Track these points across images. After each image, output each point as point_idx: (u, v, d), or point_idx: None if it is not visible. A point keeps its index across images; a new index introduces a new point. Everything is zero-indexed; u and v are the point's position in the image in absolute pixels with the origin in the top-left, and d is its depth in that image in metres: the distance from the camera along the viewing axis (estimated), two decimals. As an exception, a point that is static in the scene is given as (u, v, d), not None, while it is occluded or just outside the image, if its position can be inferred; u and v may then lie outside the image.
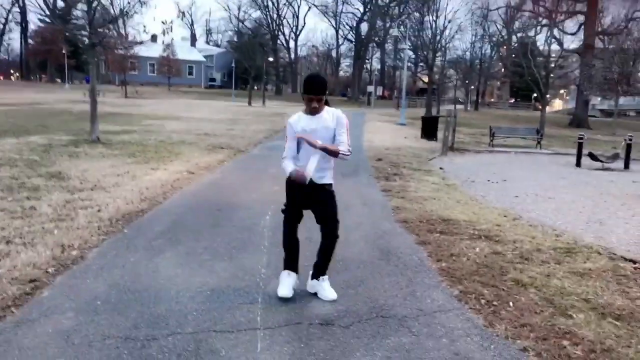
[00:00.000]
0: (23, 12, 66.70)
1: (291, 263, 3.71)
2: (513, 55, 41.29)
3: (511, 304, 3.63)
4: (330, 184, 3.62)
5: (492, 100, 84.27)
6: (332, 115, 3.51)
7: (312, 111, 3.48)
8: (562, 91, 78.68)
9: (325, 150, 3.39)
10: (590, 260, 4.73)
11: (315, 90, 3.42)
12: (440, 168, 11.29)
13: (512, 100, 77.72)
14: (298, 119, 3.56)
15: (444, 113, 22.19)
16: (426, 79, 47.46)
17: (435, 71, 49.28)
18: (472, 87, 65.50)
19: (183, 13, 73.69)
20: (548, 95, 59.99)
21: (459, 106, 61.17)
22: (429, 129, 19.62)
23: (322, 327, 3.22)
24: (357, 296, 3.71)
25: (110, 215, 5.63)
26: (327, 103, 3.56)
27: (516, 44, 44.06)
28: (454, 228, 5.67)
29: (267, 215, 5.95)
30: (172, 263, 4.27)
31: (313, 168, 3.39)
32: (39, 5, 52.12)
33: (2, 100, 28.64)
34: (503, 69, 60.96)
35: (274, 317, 3.33)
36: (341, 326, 3.23)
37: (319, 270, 3.69)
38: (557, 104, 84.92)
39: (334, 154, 3.43)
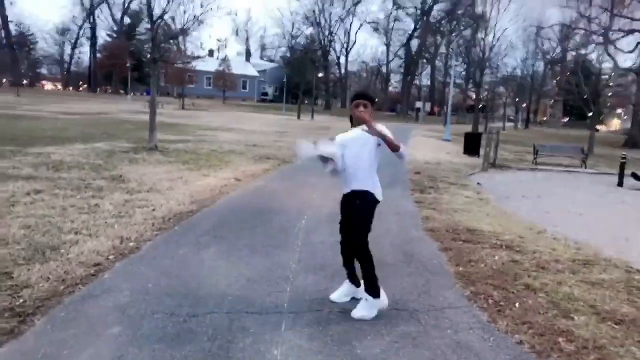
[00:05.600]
0: (93, 28, 71.00)
1: (349, 275, 3.81)
2: (569, 73, 40.33)
3: (517, 304, 3.90)
4: (366, 193, 3.55)
5: (545, 118, 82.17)
6: (377, 127, 3.34)
7: (358, 117, 3.47)
8: (619, 110, 75.80)
9: (388, 141, 3.31)
10: (606, 272, 4.89)
11: (361, 95, 3.55)
12: (478, 183, 11.42)
13: (566, 119, 75.49)
14: (342, 135, 3.66)
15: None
16: (475, 96, 47.00)
17: (485, 88, 48.76)
18: (524, 104, 64.25)
19: (237, 31, 75.97)
20: (603, 115, 58.07)
21: (509, 124, 60.14)
22: (471, 145, 19.63)
23: (340, 314, 3.60)
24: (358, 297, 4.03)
25: (164, 214, 6.22)
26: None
27: (570, 62, 43.10)
28: (477, 237, 5.92)
29: (303, 219, 6.39)
30: (215, 256, 4.76)
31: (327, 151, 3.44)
32: (108, 22, 55.14)
33: (72, 109, 30.67)
34: (556, 87, 59.56)
35: (299, 304, 3.74)
36: (357, 315, 3.60)
37: (364, 287, 3.65)
38: (615, 124, 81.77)
39: (393, 146, 3.32)
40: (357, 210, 3.56)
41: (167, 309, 3.54)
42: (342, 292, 3.88)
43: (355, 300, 3.77)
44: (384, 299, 3.66)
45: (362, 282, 3.70)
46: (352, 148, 3.55)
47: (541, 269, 4.84)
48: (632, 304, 4.07)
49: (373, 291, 3.58)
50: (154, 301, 3.65)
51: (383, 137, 3.31)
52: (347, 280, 3.87)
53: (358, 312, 3.58)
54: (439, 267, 4.82)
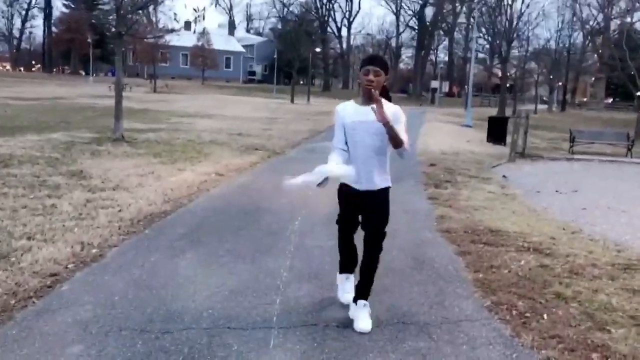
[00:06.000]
0: (47, -2, 70.87)
1: (349, 266, 4.02)
2: (613, 46, 40.39)
3: (545, 316, 3.97)
4: (387, 189, 3.74)
5: (585, 99, 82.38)
6: (389, 111, 3.38)
7: (366, 86, 3.46)
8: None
9: (393, 134, 3.38)
10: (650, 277, 4.96)
11: (371, 60, 3.51)
12: (504, 176, 11.51)
13: (610, 100, 75.64)
14: (344, 107, 3.68)
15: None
16: (501, 74, 47.07)
17: (513, 64, 48.86)
18: (559, 83, 64.37)
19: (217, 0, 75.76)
20: (652, 94, 58.08)
21: (541, 106, 60.28)
22: (496, 131, 19.72)
23: (338, 329, 3.67)
24: (379, 303, 4.10)
25: (132, 216, 6.28)
26: (388, 97, 3.58)
27: (615, 32, 43.09)
28: (501, 239, 6.00)
29: (297, 220, 6.44)
30: (192, 264, 4.83)
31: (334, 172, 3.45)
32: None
33: (24, 94, 30.70)
34: (598, 63, 59.64)
35: (290, 317, 3.80)
36: (358, 330, 3.67)
37: (360, 292, 3.78)
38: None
39: (397, 142, 3.41)
40: (383, 205, 3.74)
41: (137, 324, 3.60)
42: (351, 289, 3.98)
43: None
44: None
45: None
46: (366, 138, 3.57)
47: (574, 275, 4.91)
48: (679, 315, 4.14)
49: (369, 290, 3.80)
50: (120, 316, 3.71)
51: (389, 128, 3.35)
52: (344, 275, 4.07)
53: (367, 324, 3.63)
54: (454, 274, 4.89)
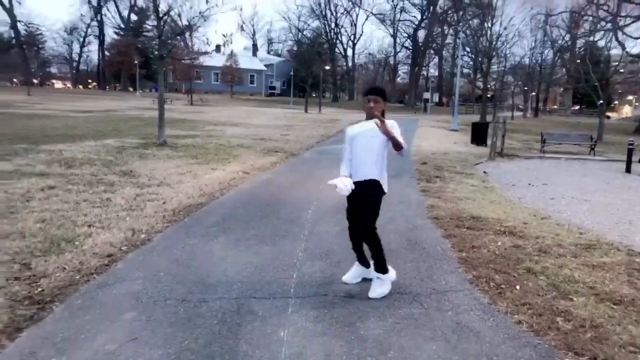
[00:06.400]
0: (100, 27, 71.51)
1: (359, 258, 4.06)
2: (578, 61, 39.95)
3: (518, 287, 4.00)
4: (375, 182, 3.75)
5: (554, 107, 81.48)
6: (388, 124, 3.62)
7: (367, 111, 3.76)
8: (631, 97, 74.91)
9: (394, 140, 3.57)
10: (607, 255, 4.97)
11: (370, 91, 3.80)
12: (484, 172, 11.48)
13: (576, 108, 74.79)
14: (352, 127, 3.89)
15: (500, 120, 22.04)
16: (482, 86, 46.70)
17: (493, 78, 48.42)
18: (533, 93, 63.70)
19: (242, 27, 75.79)
20: (613, 102, 57.39)
21: (517, 113, 59.74)
22: (479, 134, 19.61)
23: (345, 298, 3.73)
24: (369, 277, 4.16)
25: (174, 207, 6.37)
26: (384, 116, 3.72)
27: (580, 49, 42.62)
28: (481, 224, 6.02)
29: (310, 210, 6.52)
30: (224, 246, 4.91)
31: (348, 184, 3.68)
32: (115, 19, 55.35)
33: (82, 107, 30.98)
34: (566, 76, 58.92)
35: (305, 289, 3.87)
36: (361, 299, 3.73)
37: (375, 267, 3.86)
38: (626, 111, 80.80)
39: (398, 145, 3.59)
40: (366, 198, 3.75)
41: (179, 295, 3.69)
42: (353, 273, 4.08)
43: (365, 282, 3.95)
44: (392, 273, 3.93)
45: (371, 262, 3.90)
46: (362, 139, 3.76)
47: (543, 254, 4.93)
48: (631, 286, 4.16)
49: (382, 269, 3.82)
50: (165, 288, 3.80)
51: (391, 137, 3.57)
52: (357, 263, 4.08)
53: (374, 292, 3.78)
54: (442, 253, 4.92)
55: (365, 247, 3.93)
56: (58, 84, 78.61)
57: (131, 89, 64.74)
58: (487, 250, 4.96)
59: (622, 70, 38.15)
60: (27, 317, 3.25)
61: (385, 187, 3.80)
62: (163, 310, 3.44)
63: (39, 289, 3.66)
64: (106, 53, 69.77)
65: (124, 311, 3.40)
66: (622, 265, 4.67)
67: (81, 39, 74.82)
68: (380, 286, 3.82)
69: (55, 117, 22.61)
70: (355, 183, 3.75)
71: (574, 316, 3.47)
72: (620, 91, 50.87)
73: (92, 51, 76.72)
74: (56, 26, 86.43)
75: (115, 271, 4.15)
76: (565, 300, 3.76)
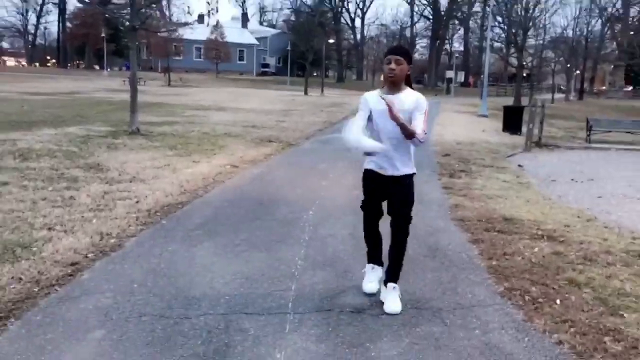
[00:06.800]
0: (62, -7, 71.35)
1: (374, 256, 4.14)
2: (632, 33, 39.84)
3: (558, 301, 4.02)
4: (412, 175, 3.88)
5: (603, 87, 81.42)
6: (411, 98, 3.63)
7: (388, 74, 3.62)
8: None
9: (402, 127, 3.49)
10: (665, 264, 4.98)
11: (394, 50, 3.68)
12: (519, 165, 11.50)
13: (629, 88, 74.67)
14: (371, 94, 3.81)
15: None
16: (517, 63, 46.67)
17: (530, 53, 48.38)
18: (577, 72, 63.69)
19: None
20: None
21: (559, 95, 59.71)
22: (512, 121, 19.62)
23: (352, 314, 3.75)
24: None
25: (149, 207, 6.41)
26: (410, 84, 3.76)
27: (634, 19, 42.51)
28: (514, 227, 6.04)
29: (311, 210, 6.55)
30: (209, 253, 4.94)
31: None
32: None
33: (40, 89, 31.07)
34: (617, 50, 58.84)
35: (306, 303, 3.89)
36: (371, 315, 3.75)
37: (389, 275, 3.92)
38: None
39: (409, 134, 3.52)
40: (407, 190, 3.89)
41: (156, 310, 3.71)
42: (374, 276, 4.13)
43: (375, 295, 4.02)
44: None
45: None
46: (386, 124, 3.64)
47: (588, 262, 4.95)
48: (693, 300, 4.17)
49: (398, 275, 3.92)
50: (140, 302, 3.83)
51: (400, 125, 3.49)
52: (372, 264, 4.15)
53: (395, 305, 3.79)
54: (468, 261, 4.95)
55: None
56: (10, 62, 78.74)
57: (97, 67, 64.88)
58: (521, 258, 4.98)
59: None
60: (-23, 336, 3.28)
61: (414, 168, 3.93)
62: (137, 328, 3.46)
63: (-9, 303, 3.69)
64: (68, 25, 69.78)
65: (92, 329, 3.42)
66: (683, 275, 4.68)
67: (38, 8, 74.89)
68: (398, 299, 3.84)
69: (8, 101, 22.70)
70: (385, 178, 3.84)
71: (625, 336, 3.49)
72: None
73: (51, 22, 77.05)
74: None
75: (80, 282, 4.17)
76: (615, 317, 3.77)
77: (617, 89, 71.88)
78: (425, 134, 3.64)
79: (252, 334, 3.43)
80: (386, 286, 3.91)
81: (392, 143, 3.72)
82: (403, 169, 3.83)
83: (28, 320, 3.51)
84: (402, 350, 3.29)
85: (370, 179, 3.94)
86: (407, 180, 3.86)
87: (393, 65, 3.58)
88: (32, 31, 77.29)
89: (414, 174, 3.92)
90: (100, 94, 29.89)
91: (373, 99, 3.76)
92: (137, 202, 6.60)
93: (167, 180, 7.95)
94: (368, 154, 3.75)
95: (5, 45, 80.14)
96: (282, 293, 4.06)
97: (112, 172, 8.42)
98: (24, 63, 77.59)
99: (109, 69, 57.82)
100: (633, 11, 46.52)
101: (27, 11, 75.42)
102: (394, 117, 3.45)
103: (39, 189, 6.96)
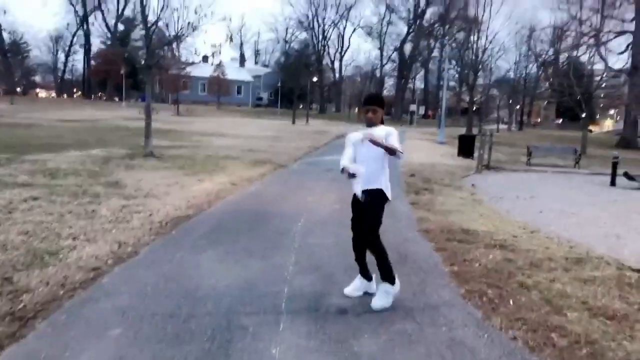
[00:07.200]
0: (87, 35, 70.67)
1: (361, 271, 4.04)
2: (561, 75, 40.62)
3: (511, 302, 3.96)
4: (379, 191, 3.77)
5: (539, 120, 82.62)
6: (384, 131, 3.72)
7: (367, 121, 3.84)
8: (612, 112, 76.23)
9: (386, 148, 3.53)
10: (598, 269, 4.96)
11: (367, 101, 3.90)
12: (472, 185, 11.50)
13: (559, 121, 75.91)
14: (354, 134, 3.95)
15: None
16: (468, 99, 47.24)
17: (479, 91, 49.03)
18: (517, 107, 64.56)
19: (231, 38, 75.68)
20: (595, 116, 58.36)
21: (502, 126, 60.44)
22: (465, 147, 19.74)
23: (337, 314, 3.66)
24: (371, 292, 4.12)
25: (161, 219, 6.26)
26: (382, 122, 3.86)
27: (563, 64, 43.36)
28: (472, 238, 5.99)
29: (300, 222, 6.45)
30: (213, 259, 4.81)
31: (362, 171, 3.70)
32: (101, 29, 55.05)
33: (67, 117, 30.65)
34: (549, 89, 59.85)
35: (297, 304, 3.79)
36: (354, 314, 3.66)
37: (380, 275, 3.86)
38: (608, 124, 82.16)
39: (392, 151, 3.55)
40: (371, 207, 3.78)
41: (166, 310, 3.58)
42: (355, 286, 4.05)
43: (363, 297, 3.93)
44: (397, 286, 3.88)
45: (373, 275, 3.97)
46: (365, 150, 3.75)
47: (535, 267, 4.91)
48: (623, 300, 4.14)
49: (390, 278, 3.82)
50: (153, 303, 3.70)
51: (383, 147, 3.51)
52: (359, 276, 4.05)
53: (377, 303, 3.76)
54: (433, 267, 4.88)
55: (367, 259, 3.95)
56: (42, 93, 77.71)
57: (117, 99, 64.19)
58: (478, 264, 4.93)
59: (604, 85, 38.78)
60: (9, 334, 3.13)
61: (389, 195, 3.84)
62: (150, 326, 3.33)
63: (21, 305, 3.53)
64: (92, 62, 69.17)
65: (110, 327, 3.29)
66: (613, 279, 4.65)
67: (67, 48, 74.17)
68: (385, 297, 3.79)
69: (39, 127, 22.33)
70: (363, 192, 3.79)
71: (569, 332, 3.44)
72: (602, 105, 51.82)
73: (78, 60, 76.15)
74: (41, 35, 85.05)
75: (100, 285, 4.03)
76: (559, 316, 3.73)
77: (550, 121, 73.04)
78: (402, 152, 3.66)
79: (251, 331, 3.32)
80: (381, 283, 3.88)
81: (367, 162, 3.76)
82: (373, 183, 3.77)
83: (54, 320, 3.37)
84: (381, 345, 3.20)
85: (353, 201, 3.94)
86: (373, 197, 3.77)
87: (370, 115, 3.82)
88: (61, 67, 76.47)
89: (382, 190, 3.78)
90: (119, 121, 29.53)
91: (355, 136, 3.91)
92: (151, 215, 6.45)
93: (177, 196, 7.80)
94: (352, 175, 3.69)
95: (38, 79, 79.07)
96: (276, 295, 3.96)
97: (129, 189, 8.25)
98: (53, 95, 76.60)
99: (126, 101, 57.23)
100: (562, 57, 47.63)
101: (57, 51, 74.67)
102: (375, 142, 3.48)
103: (65, 203, 6.77)
